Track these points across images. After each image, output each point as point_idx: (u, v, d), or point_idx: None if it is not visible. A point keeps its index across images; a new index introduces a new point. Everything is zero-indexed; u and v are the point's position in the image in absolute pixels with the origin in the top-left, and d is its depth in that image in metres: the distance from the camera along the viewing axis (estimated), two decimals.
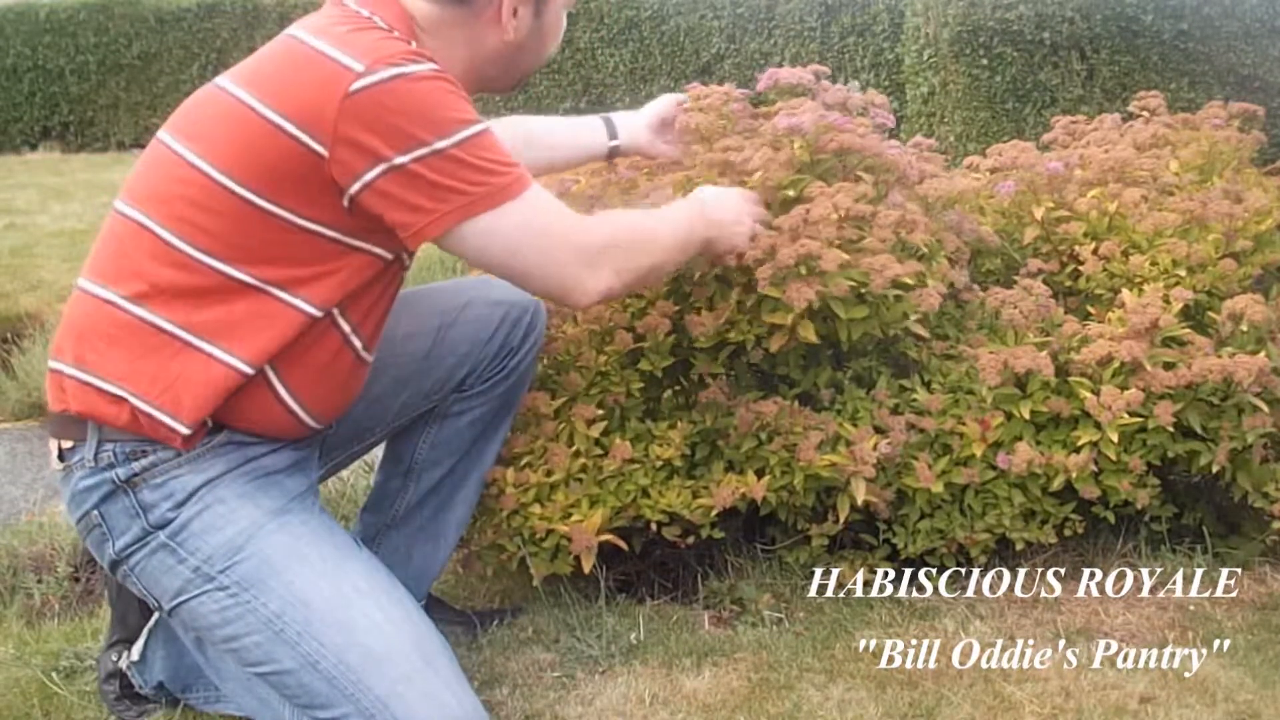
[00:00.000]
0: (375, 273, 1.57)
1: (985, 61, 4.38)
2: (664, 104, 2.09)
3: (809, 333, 1.86)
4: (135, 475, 1.52)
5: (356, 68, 1.44)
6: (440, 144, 1.46)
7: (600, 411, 1.92)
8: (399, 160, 1.45)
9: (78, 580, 2.28)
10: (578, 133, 2.07)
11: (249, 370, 1.51)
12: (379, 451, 1.96)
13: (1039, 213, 2.18)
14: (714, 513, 1.90)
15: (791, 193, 1.93)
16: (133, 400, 1.50)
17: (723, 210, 1.80)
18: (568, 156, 2.06)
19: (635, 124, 2.08)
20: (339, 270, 1.54)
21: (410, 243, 1.54)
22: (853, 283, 1.83)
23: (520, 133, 2.03)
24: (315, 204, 1.49)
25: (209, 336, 1.50)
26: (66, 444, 1.56)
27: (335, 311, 1.56)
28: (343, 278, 1.54)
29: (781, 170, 1.91)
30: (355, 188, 1.47)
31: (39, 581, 2.25)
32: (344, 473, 2.32)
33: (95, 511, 1.54)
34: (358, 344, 1.60)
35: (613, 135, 2.07)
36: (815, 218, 1.83)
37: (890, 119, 2.15)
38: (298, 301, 1.52)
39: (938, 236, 2.02)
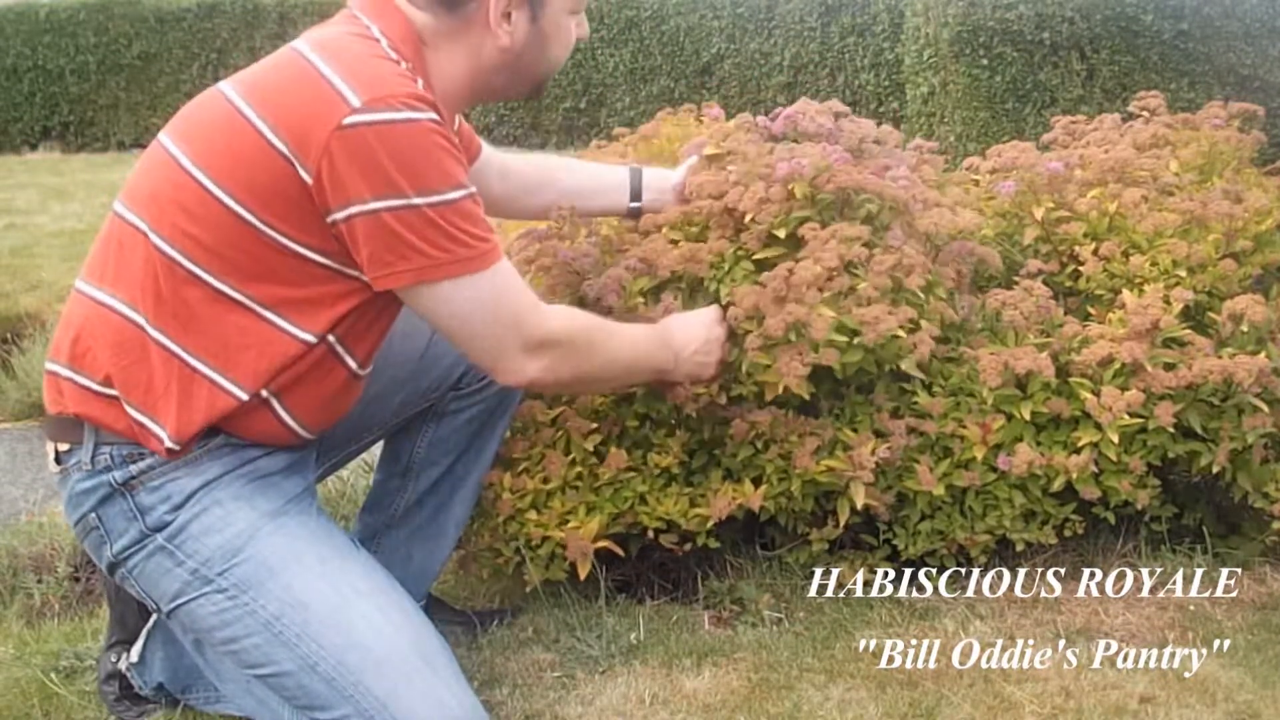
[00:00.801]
0: (367, 299, 1.54)
1: (985, 61, 4.38)
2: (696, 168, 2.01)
3: (801, 390, 1.83)
4: (132, 478, 1.52)
5: (354, 101, 1.41)
6: (417, 199, 1.43)
7: (595, 426, 1.92)
8: (373, 205, 1.43)
9: (78, 580, 2.28)
10: (601, 186, 2.01)
11: (244, 396, 1.51)
12: (377, 451, 1.96)
13: (1039, 213, 2.18)
14: (710, 523, 1.89)
15: (782, 233, 1.90)
16: (124, 406, 1.50)
17: (687, 339, 1.76)
18: (585, 208, 2.01)
19: (664, 186, 2.02)
20: (329, 295, 1.52)
21: (373, 285, 1.51)
22: (845, 337, 1.80)
23: (542, 172, 2.00)
24: (304, 228, 1.47)
25: (205, 358, 1.50)
26: (63, 446, 1.56)
27: (330, 337, 1.55)
28: (333, 303, 1.52)
29: (774, 209, 1.88)
30: (330, 219, 1.46)
31: (39, 581, 2.25)
32: (343, 472, 2.33)
33: (93, 514, 1.54)
34: (353, 364, 1.60)
35: (636, 196, 2.01)
36: (798, 281, 1.79)
37: (900, 159, 2.08)
38: (290, 327, 1.51)
39: (937, 271, 1.97)
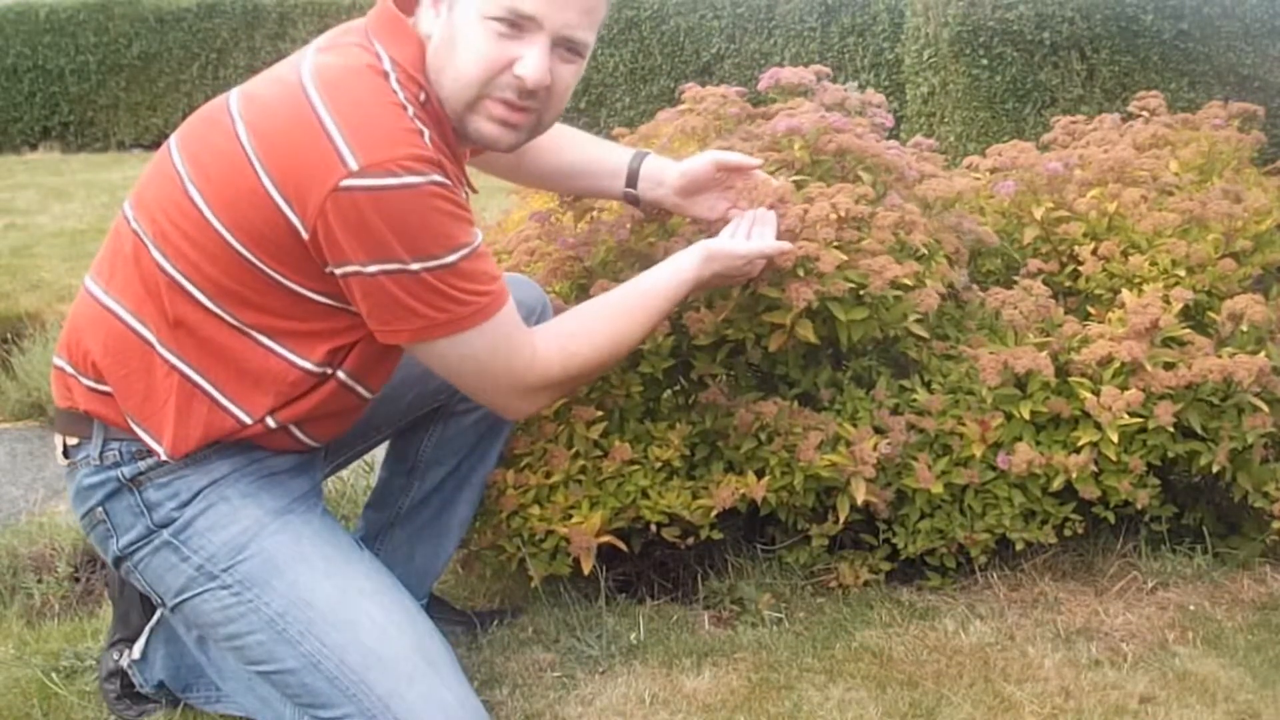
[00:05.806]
0: (368, 334, 1.52)
1: (985, 61, 4.38)
2: (699, 165, 1.84)
3: (807, 332, 1.86)
4: (140, 474, 1.52)
5: (351, 164, 1.37)
6: (414, 265, 1.41)
7: (599, 413, 1.92)
8: (370, 269, 1.41)
9: (78, 580, 2.28)
10: (597, 169, 1.90)
11: (248, 420, 1.52)
12: (381, 449, 1.96)
13: (1039, 213, 2.18)
14: (714, 513, 1.90)
15: None
16: (124, 410, 1.51)
17: (725, 273, 1.72)
18: (579, 187, 1.96)
19: (661, 179, 1.87)
20: (329, 330, 1.51)
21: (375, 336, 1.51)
22: (851, 284, 1.83)
23: (548, 143, 1.86)
24: (301, 270, 1.46)
25: (208, 377, 1.50)
26: (72, 440, 1.56)
27: (340, 373, 1.55)
28: (332, 337, 1.52)
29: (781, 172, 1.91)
30: (328, 271, 1.45)
31: (39, 581, 2.25)
32: (344, 472, 2.32)
33: (100, 508, 1.55)
34: (361, 390, 1.60)
35: (631, 183, 1.89)
36: (813, 219, 1.84)
37: (888, 118, 2.14)
38: (290, 355, 1.51)
39: (937, 237, 2.02)
